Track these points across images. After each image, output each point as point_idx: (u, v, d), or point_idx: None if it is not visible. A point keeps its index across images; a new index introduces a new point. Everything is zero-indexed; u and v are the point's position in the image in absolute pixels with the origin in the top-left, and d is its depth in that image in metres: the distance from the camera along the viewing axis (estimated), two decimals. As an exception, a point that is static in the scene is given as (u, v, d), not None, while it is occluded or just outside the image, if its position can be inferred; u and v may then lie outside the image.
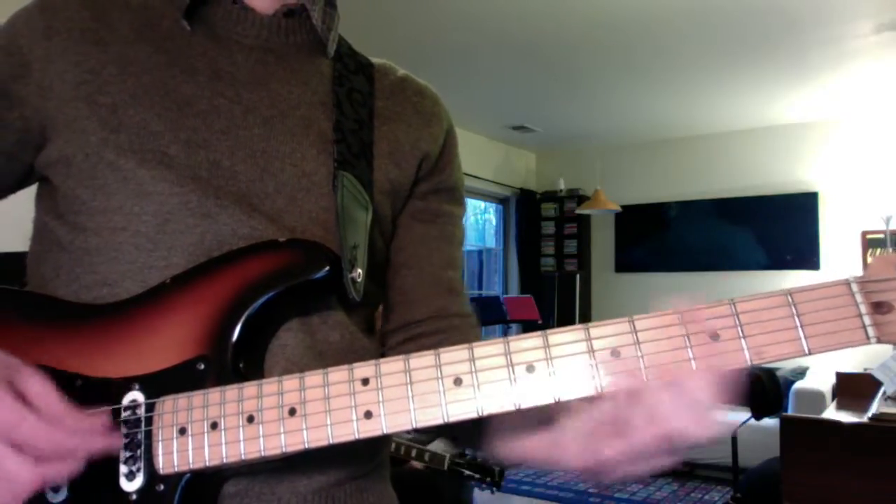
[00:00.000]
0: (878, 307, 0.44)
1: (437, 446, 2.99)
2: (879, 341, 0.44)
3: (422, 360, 0.52)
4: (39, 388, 0.56)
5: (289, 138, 0.72)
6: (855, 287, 0.45)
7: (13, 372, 0.56)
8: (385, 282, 0.83)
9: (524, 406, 0.49)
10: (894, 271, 0.44)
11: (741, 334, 0.47)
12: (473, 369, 0.50)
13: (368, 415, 0.52)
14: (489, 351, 0.51)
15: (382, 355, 0.80)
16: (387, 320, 0.83)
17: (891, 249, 5.48)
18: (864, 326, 0.45)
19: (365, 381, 0.53)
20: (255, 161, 0.70)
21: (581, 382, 0.49)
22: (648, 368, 0.48)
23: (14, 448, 0.53)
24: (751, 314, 0.47)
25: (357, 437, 0.53)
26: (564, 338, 0.50)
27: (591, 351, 0.49)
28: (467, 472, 2.75)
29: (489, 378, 0.50)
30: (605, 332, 0.49)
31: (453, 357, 0.52)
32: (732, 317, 0.47)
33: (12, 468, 0.53)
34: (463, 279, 0.88)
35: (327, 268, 0.64)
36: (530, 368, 0.50)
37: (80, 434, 0.56)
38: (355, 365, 0.54)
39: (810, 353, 0.45)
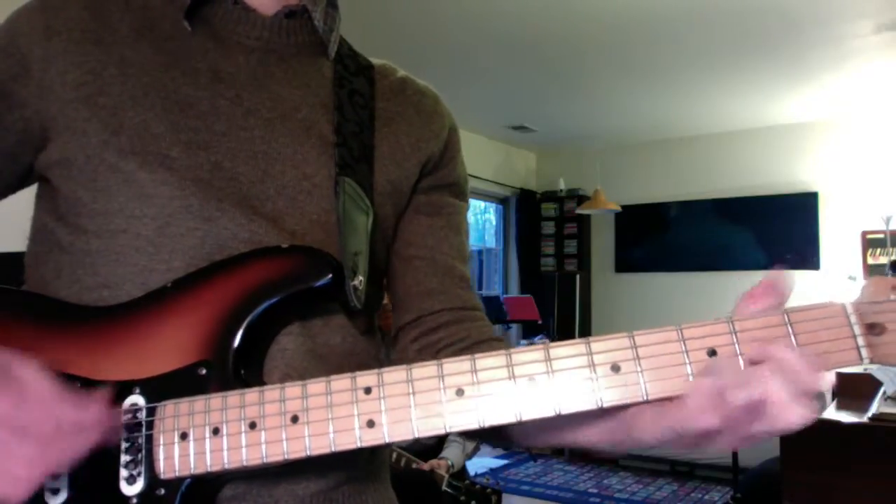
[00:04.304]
0: (871, 328, 0.45)
1: (450, 452, 2.99)
2: (872, 362, 0.45)
3: (424, 371, 0.52)
4: (33, 373, 0.56)
5: (290, 140, 0.72)
6: (849, 308, 0.46)
7: (5, 361, 0.56)
8: (391, 279, 0.82)
9: (525, 418, 0.49)
10: (889, 294, 0.45)
11: (738, 352, 0.47)
12: (476, 381, 0.50)
13: (371, 423, 0.52)
14: (491, 363, 0.51)
15: (395, 358, 0.80)
16: (399, 315, 0.82)
17: (891, 249, 5.48)
18: (857, 347, 0.45)
19: (367, 390, 0.53)
20: (257, 163, 0.70)
21: (582, 396, 0.49)
22: (648, 384, 0.48)
23: (18, 434, 0.53)
24: (748, 333, 0.47)
25: (360, 445, 0.53)
26: (565, 351, 0.50)
27: (592, 365, 0.49)
28: (462, 498, 2.74)
29: (491, 390, 0.50)
30: (606, 347, 0.49)
31: (456, 368, 0.52)
32: (730, 335, 0.48)
33: (20, 454, 0.53)
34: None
35: (329, 275, 0.64)
36: (532, 381, 0.50)
37: (79, 413, 0.56)
38: (358, 373, 0.54)
39: None
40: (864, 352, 0.45)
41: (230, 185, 0.69)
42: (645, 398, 0.48)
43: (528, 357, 0.50)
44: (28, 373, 0.56)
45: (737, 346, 0.47)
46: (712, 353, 0.47)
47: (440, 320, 0.79)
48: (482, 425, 0.50)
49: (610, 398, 0.49)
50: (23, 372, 0.56)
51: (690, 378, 0.47)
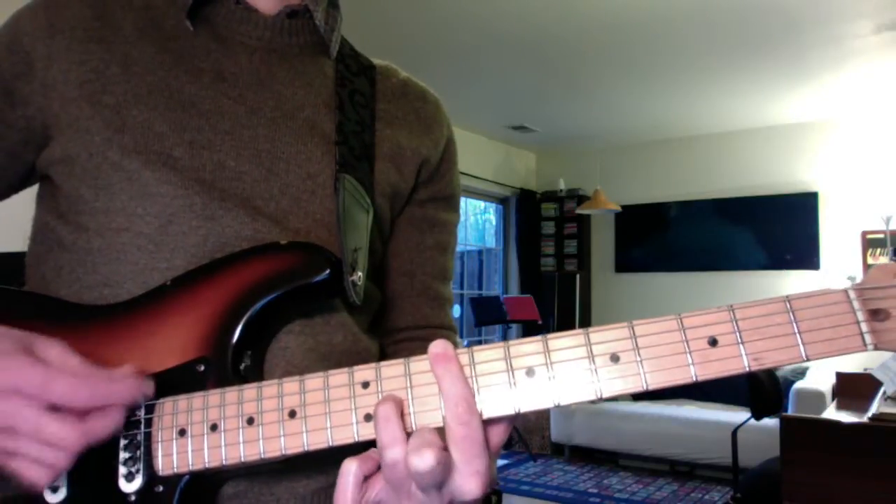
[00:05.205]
0: (875, 314, 0.44)
1: None
2: (877, 348, 0.44)
3: (421, 365, 0.52)
4: (58, 350, 0.55)
5: (294, 139, 0.72)
6: (853, 294, 0.45)
7: (28, 341, 0.55)
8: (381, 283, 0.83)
9: (524, 410, 0.49)
10: (893, 279, 0.44)
11: (739, 340, 0.47)
12: (473, 374, 0.50)
13: (368, 418, 0.52)
14: (489, 355, 0.51)
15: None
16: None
17: (891, 249, 5.48)
18: (861, 333, 0.44)
19: (365, 385, 0.53)
20: (261, 161, 0.70)
21: (581, 387, 0.49)
22: (648, 374, 0.48)
23: (52, 410, 0.52)
24: (749, 321, 0.47)
25: (357, 439, 0.53)
26: (564, 343, 0.50)
27: (591, 356, 0.49)
28: None
29: (489, 382, 0.50)
30: (605, 338, 0.49)
31: None
32: (731, 323, 0.47)
33: (55, 430, 0.52)
34: (452, 288, 0.90)
35: (327, 271, 0.64)
36: (530, 373, 0.50)
37: (111, 385, 0.55)
38: (355, 368, 0.54)
39: (808, 360, 0.46)
40: (867, 338, 0.44)
41: (234, 185, 0.69)
42: (645, 388, 0.47)
43: (527, 349, 0.50)
44: (54, 349, 0.55)
45: (737, 334, 0.47)
46: (713, 342, 0.47)
47: (404, 335, 0.84)
48: (481, 417, 0.50)
49: (609, 389, 0.48)
50: (48, 349, 0.55)
51: (691, 367, 0.47)
